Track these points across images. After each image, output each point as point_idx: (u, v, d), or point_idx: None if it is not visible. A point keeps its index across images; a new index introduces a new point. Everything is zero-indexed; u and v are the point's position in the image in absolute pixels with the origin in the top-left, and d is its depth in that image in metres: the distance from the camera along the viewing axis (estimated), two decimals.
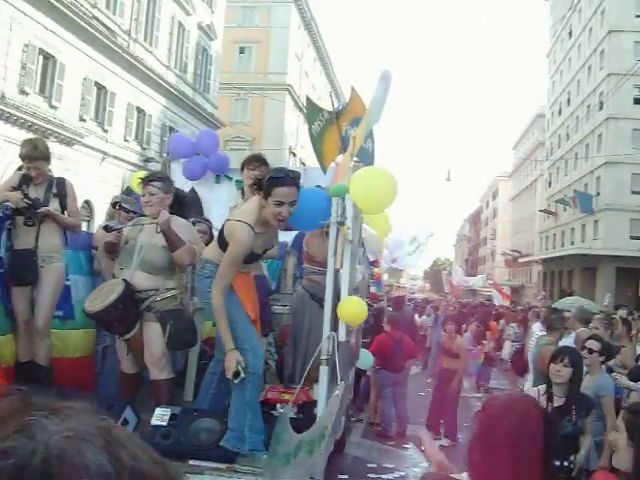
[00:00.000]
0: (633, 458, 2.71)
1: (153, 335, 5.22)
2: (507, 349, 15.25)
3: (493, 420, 2.15)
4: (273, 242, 5.16)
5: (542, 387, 5.54)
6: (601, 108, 44.28)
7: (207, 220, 6.66)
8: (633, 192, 43.01)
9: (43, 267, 5.43)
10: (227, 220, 4.79)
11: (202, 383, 5.42)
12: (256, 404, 4.62)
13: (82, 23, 22.84)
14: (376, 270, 18.08)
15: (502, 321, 19.14)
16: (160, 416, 4.83)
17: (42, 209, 5.32)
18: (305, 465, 4.01)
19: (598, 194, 44.35)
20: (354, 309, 5.04)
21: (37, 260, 5.38)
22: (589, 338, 6.76)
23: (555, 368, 5.31)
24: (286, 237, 7.39)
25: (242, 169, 6.21)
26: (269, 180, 4.58)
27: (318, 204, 5.09)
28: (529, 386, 9.18)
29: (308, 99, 7.68)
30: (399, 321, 11.89)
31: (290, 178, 4.61)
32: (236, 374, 4.50)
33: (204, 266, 4.90)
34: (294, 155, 48.41)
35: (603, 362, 6.54)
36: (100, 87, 25.16)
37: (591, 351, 6.43)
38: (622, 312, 13.40)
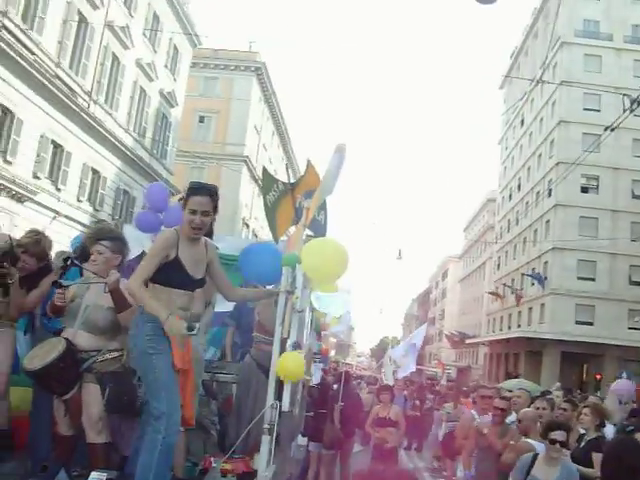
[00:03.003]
0: None
1: (92, 397, 5.08)
2: (442, 430, 15.01)
3: None
4: (202, 271, 4.83)
5: None
6: (550, 195, 45.54)
7: None
8: (579, 278, 44.00)
9: None
10: None
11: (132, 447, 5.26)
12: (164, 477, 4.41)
13: (44, 81, 22.88)
14: (324, 346, 18.03)
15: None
16: None
17: None
18: None
19: (545, 278, 45.18)
20: (292, 364, 4.83)
21: None
22: (555, 428, 6.09)
23: None
24: (227, 307, 7.33)
25: None
26: (187, 190, 4.71)
27: (271, 260, 5.16)
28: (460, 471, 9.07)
29: (264, 169, 7.74)
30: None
31: (205, 189, 4.70)
32: (189, 328, 4.25)
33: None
34: (247, 226, 48.49)
35: None
36: (57, 145, 25.07)
37: (563, 444, 5.99)
38: (557, 392, 13.50)
